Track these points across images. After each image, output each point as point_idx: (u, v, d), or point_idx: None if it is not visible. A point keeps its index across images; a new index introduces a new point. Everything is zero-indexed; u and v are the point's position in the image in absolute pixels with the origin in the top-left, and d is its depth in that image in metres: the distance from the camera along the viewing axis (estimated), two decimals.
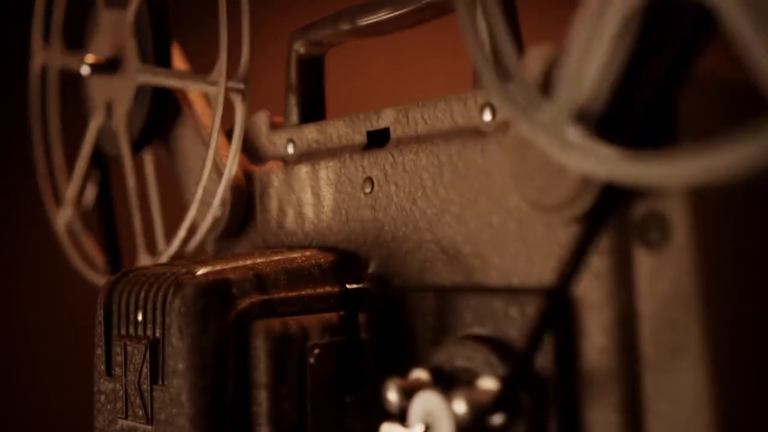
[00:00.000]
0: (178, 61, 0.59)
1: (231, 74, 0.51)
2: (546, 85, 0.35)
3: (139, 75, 0.57)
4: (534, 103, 0.33)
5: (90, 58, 0.59)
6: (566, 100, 0.32)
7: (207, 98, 0.56)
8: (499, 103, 0.40)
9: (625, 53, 0.31)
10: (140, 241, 0.60)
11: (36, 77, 0.66)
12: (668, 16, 0.31)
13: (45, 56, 0.65)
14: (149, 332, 0.42)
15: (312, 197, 0.50)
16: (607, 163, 0.31)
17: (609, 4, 0.30)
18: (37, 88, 0.66)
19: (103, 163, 0.63)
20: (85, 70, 0.59)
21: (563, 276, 0.34)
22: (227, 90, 0.50)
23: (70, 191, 0.64)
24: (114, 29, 0.59)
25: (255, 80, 0.51)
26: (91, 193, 0.64)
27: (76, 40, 0.64)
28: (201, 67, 0.54)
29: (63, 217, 0.64)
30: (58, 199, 0.65)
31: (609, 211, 0.34)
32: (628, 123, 0.32)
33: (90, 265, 0.64)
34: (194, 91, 0.56)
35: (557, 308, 0.34)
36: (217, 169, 0.53)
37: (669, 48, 0.31)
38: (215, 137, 0.51)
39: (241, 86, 0.51)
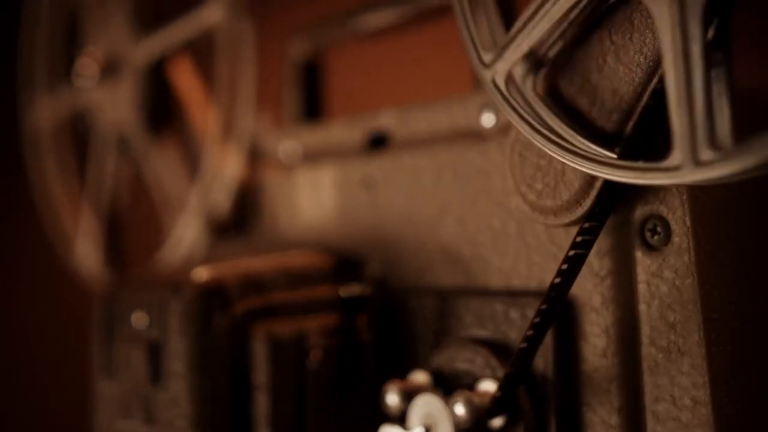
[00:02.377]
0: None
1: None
2: (545, 89, 0.35)
3: (140, 50, 0.57)
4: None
5: (87, 68, 0.59)
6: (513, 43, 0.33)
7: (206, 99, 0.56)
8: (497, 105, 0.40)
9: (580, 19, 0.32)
10: (140, 242, 0.60)
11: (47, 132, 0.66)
12: None
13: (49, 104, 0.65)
14: (149, 334, 0.42)
15: (312, 198, 0.50)
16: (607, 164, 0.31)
17: None
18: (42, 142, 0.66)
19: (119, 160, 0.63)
20: (86, 82, 0.59)
21: (564, 278, 0.33)
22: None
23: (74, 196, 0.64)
24: (105, 33, 0.59)
25: (256, 80, 0.51)
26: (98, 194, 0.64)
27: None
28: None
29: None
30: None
31: (609, 213, 0.34)
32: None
33: (90, 267, 0.63)
34: (195, 28, 0.56)
35: (558, 311, 0.34)
36: (217, 170, 0.53)
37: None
38: (214, 137, 0.51)
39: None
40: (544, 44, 0.34)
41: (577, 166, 0.32)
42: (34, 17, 0.66)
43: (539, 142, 0.33)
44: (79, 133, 0.64)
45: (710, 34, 0.29)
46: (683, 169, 0.29)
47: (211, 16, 0.52)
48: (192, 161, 0.58)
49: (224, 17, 0.51)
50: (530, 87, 0.34)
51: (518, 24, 0.33)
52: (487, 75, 0.34)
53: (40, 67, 0.66)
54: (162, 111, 0.58)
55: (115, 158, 0.61)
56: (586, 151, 0.32)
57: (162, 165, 0.58)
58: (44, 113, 0.65)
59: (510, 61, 0.34)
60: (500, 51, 0.34)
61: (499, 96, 0.34)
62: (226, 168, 0.51)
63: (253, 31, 0.51)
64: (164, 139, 0.59)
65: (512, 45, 0.34)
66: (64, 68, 0.65)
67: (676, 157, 0.29)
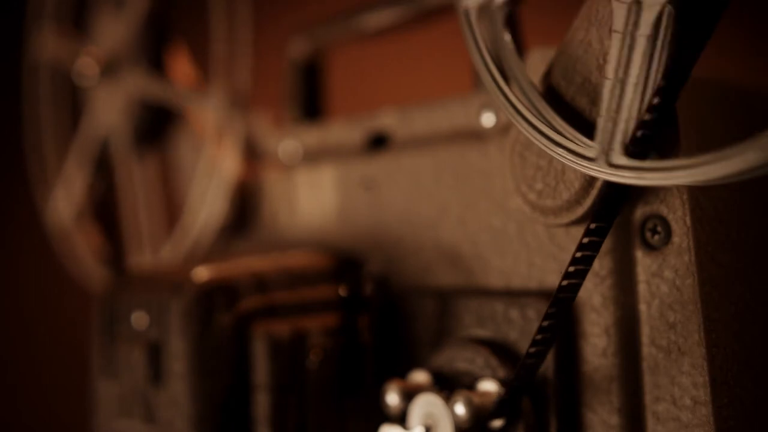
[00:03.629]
0: (183, 63, 0.59)
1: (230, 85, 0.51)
2: (545, 88, 0.35)
3: (137, 83, 0.57)
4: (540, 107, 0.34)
5: (87, 66, 0.59)
6: (609, 131, 0.32)
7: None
8: (500, 107, 0.40)
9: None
10: (140, 242, 0.60)
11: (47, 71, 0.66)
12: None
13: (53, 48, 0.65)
14: (149, 333, 0.42)
15: (312, 198, 0.50)
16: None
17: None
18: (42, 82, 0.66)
19: (102, 165, 0.63)
20: (83, 80, 0.59)
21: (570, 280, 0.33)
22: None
23: (71, 192, 0.64)
24: (113, 32, 0.59)
25: (255, 80, 0.51)
26: (93, 195, 0.64)
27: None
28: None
29: (62, 214, 0.64)
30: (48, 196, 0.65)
31: (609, 213, 0.34)
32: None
33: (90, 266, 0.63)
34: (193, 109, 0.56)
35: (563, 317, 0.34)
36: (217, 170, 0.53)
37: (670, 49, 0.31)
38: (214, 138, 0.51)
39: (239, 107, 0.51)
40: None
41: (578, 167, 0.32)
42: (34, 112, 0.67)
43: (533, 136, 0.33)
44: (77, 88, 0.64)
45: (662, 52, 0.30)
46: (597, 162, 0.31)
47: (209, 107, 0.52)
48: (191, 161, 0.58)
49: (221, 112, 0.51)
50: (501, 19, 0.34)
51: None
52: (462, 3, 0.34)
53: (49, 160, 0.66)
54: (150, 132, 0.58)
55: (97, 158, 0.61)
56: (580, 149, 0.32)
57: (138, 182, 0.59)
58: (47, 49, 0.65)
59: None
60: None
61: (467, 28, 0.34)
62: (225, 167, 0.51)
63: (253, 31, 0.51)
64: (147, 156, 0.59)
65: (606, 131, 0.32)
66: (72, 13, 0.64)
67: (593, 149, 0.31)
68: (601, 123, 0.31)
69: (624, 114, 0.31)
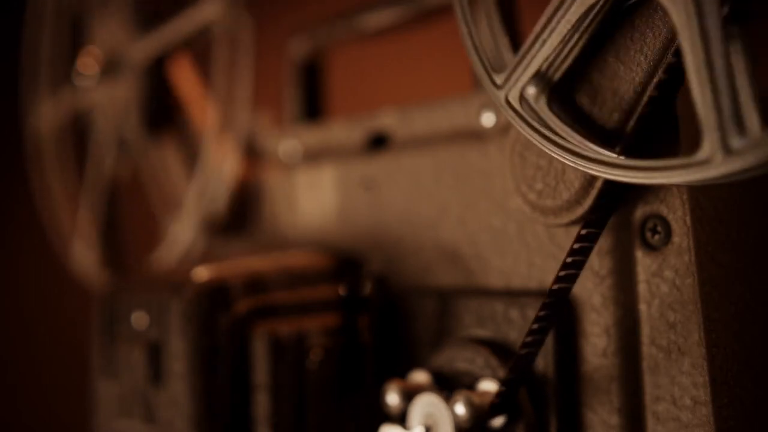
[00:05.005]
0: (184, 66, 0.59)
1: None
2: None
3: (140, 49, 0.57)
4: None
5: (87, 67, 0.59)
6: (522, 63, 0.33)
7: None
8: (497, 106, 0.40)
9: (589, 32, 0.32)
10: (140, 242, 0.60)
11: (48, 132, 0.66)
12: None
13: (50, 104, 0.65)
14: (149, 333, 0.42)
15: (312, 198, 0.50)
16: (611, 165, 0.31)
17: None
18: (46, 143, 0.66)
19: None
20: (86, 81, 0.59)
21: (566, 279, 0.33)
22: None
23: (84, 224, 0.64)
24: (105, 33, 0.59)
25: (256, 80, 0.51)
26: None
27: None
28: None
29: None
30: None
31: (609, 213, 0.34)
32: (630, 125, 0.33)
33: (86, 266, 0.63)
34: (194, 24, 0.56)
35: (559, 311, 0.34)
36: (217, 170, 0.53)
37: (665, 49, 0.31)
38: (214, 137, 0.51)
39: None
40: (552, 65, 0.33)
41: (580, 167, 0.32)
42: (37, 20, 0.67)
43: (553, 151, 0.33)
44: (79, 133, 0.64)
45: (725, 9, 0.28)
46: (713, 161, 0.28)
47: (209, 13, 0.52)
48: (191, 160, 0.58)
49: (222, 13, 0.51)
50: (544, 104, 0.34)
51: (527, 44, 0.33)
52: (500, 95, 0.34)
53: (43, 70, 0.66)
54: (161, 110, 0.58)
55: (114, 158, 0.61)
56: (590, 153, 0.32)
57: (160, 164, 0.58)
58: (46, 116, 0.65)
59: (522, 82, 0.34)
60: (511, 71, 0.34)
61: (513, 114, 0.34)
62: (224, 167, 0.51)
63: (253, 31, 0.51)
64: (163, 138, 0.59)
65: (522, 65, 0.33)
66: (66, 71, 0.65)
67: (706, 149, 0.28)
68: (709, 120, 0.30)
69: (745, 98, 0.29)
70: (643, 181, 0.30)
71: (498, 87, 0.34)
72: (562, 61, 0.33)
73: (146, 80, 0.57)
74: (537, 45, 0.33)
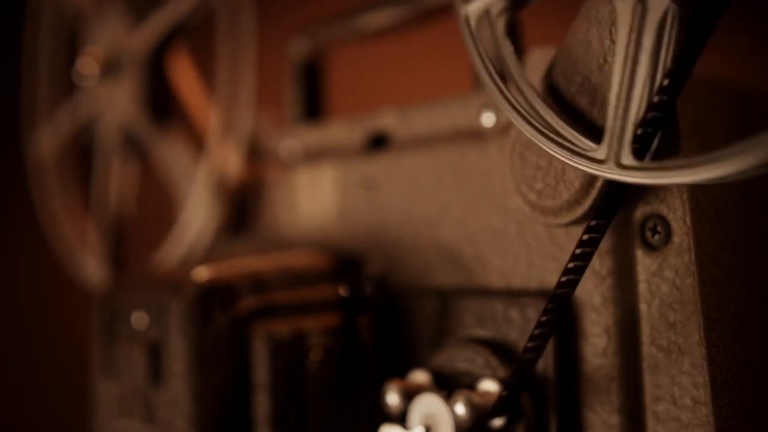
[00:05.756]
0: (185, 65, 0.59)
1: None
2: (546, 88, 0.35)
3: (138, 37, 0.57)
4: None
5: (87, 67, 0.59)
6: (619, 131, 0.32)
7: (207, 97, 0.56)
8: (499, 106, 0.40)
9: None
10: (139, 242, 0.60)
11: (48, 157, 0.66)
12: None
13: None
14: (149, 333, 0.42)
15: (312, 198, 0.50)
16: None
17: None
18: None
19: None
20: (88, 81, 0.59)
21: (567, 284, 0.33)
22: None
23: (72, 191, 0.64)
24: (113, 32, 0.59)
25: (256, 80, 0.51)
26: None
27: None
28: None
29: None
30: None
31: (609, 213, 0.34)
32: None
33: (90, 266, 0.63)
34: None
35: (561, 316, 0.34)
36: (217, 170, 0.53)
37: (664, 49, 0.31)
38: (214, 137, 0.51)
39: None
40: None
41: (580, 167, 0.32)
42: (34, 47, 0.67)
43: (533, 136, 0.33)
44: (83, 149, 0.64)
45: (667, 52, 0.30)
46: (607, 164, 0.31)
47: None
48: (197, 154, 0.58)
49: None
50: (502, 26, 0.34)
51: None
52: (462, 11, 0.34)
53: (41, 96, 0.66)
54: (165, 99, 0.58)
55: (121, 157, 0.61)
56: (591, 152, 0.32)
57: (170, 154, 0.58)
58: (46, 140, 0.65)
59: None
60: None
61: (468, 34, 0.34)
62: (226, 168, 0.51)
63: (254, 31, 0.51)
64: (170, 128, 0.59)
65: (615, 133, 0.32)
66: (63, 89, 0.65)
67: (602, 151, 0.31)
68: (609, 125, 0.31)
69: (632, 116, 0.31)
70: (644, 182, 0.30)
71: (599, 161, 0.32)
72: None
73: (147, 70, 0.57)
74: (622, 106, 0.32)
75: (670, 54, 0.30)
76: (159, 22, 0.56)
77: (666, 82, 0.30)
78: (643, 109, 0.31)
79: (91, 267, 0.63)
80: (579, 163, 0.32)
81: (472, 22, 0.35)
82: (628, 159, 0.31)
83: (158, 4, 0.57)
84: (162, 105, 0.58)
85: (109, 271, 0.62)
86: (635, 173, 0.30)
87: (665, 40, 0.30)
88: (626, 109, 0.31)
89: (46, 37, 0.66)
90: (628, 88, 0.31)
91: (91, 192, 0.63)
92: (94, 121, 0.62)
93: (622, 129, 0.31)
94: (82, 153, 0.65)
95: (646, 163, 0.30)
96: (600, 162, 0.31)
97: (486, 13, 0.35)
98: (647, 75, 0.31)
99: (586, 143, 0.32)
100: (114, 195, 0.61)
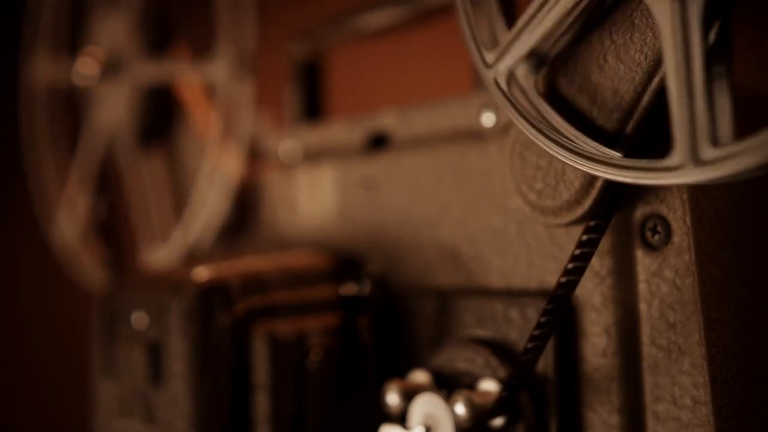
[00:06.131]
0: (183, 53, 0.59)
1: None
2: (546, 88, 0.35)
3: (141, 71, 0.57)
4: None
5: (88, 65, 0.59)
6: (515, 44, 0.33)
7: (208, 97, 0.56)
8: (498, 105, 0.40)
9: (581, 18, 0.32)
10: (140, 242, 0.60)
11: (41, 92, 0.66)
12: None
13: (50, 68, 0.65)
14: (149, 333, 0.42)
15: (312, 198, 0.50)
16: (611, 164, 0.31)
17: None
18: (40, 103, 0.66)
19: (106, 168, 0.63)
20: (85, 80, 0.59)
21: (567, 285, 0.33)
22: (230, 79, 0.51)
23: (73, 199, 0.64)
24: (110, 31, 0.59)
25: (256, 81, 0.51)
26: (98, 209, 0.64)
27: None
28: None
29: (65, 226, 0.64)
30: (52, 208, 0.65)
31: (610, 213, 0.34)
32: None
33: (90, 267, 0.63)
34: (197, 80, 0.56)
35: (561, 317, 0.34)
36: (218, 170, 0.53)
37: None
38: (215, 137, 0.51)
39: (245, 73, 0.51)
40: (546, 42, 0.34)
41: (580, 167, 0.32)
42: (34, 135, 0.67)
43: (542, 143, 0.33)
44: (74, 105, 0.64)
45: (711, 35, 0.29)
46: (684, 168, 0.29)
47: (213, 73, 0.52)
48: (181, 175, 0.58)
49: (227, 77, 0.51)
50: (533, 85, 0.34)
51: (521, 22, 0.33)
52: (489, 75, 0.34)
53: (43, 27, 0.66)
54: (155, 125, 0.58)
55: (103, 158, 0.61)
56: (589, 151, 0.32)
57: (147, 178, 0.59)
58: (43, 74, 0.65)
59: (513, 60, 0.34)
60: (503, 50, 0.34)
61: (501, 96, 0.34)
62: (226, 169, 0.51)
63: (254, 31, 0.51)
64: (153, 151, 0.59)
65: (515, 43, 0.33)
66: (67, 37, 0.65)
67: (677, 156, 0.29)
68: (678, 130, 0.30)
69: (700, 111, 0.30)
70: (644, 182, 0.30)
71: (488, 66, 0.34)
72: (556, 42, 0.33)
73: (146, 99, 0.57)
74: (531, 23, 0.33)
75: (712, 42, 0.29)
76: (168, 70, 0.56)
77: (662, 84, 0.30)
78: (705, 101, 0.29)
79: (67, 227, 0.63)
80: (575, 161, 0.32)
81: (472, 14, 0.35)
82: (706, 152, 0.29)
83: (167, 28, 0.57)
84: (153, 129, 0.58)
85: (84, 238, 0.62)
86: (635, 173, 0.30)
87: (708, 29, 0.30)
88: (692, 106, 0.29)
89: (43, 115, 0.66)
90: (687, 84, 0.29)
91: (75, 159, 0.63)
92: (88, 104, 0.62)
93: (694, 127, 0.29)
94: (75, 109, 0.65)
95: (645, 162, 0.30)
96: (676, 169, 0.30)
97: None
98: (703, 65, 0.29)
99: (589, 143, 0.32)
100: (96, 178, 0.61)
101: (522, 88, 0.34)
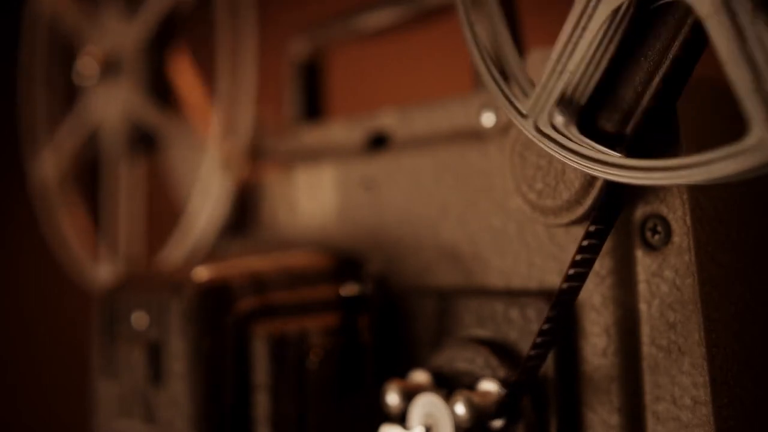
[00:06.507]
0: (186, 68, 0.59)
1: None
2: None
3: (134, 102, 0.57)
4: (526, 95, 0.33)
5: (89, 66, 0.59)
6: (546, 89, 0.32)
7: (208, 94, 0.57)
8: (499, 105, 0.40)
9: (611, 48, 0.31)
10: (140, 242, 0.60)
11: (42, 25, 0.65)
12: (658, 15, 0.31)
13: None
14: (149, 333, 0.42)
15: (312, 198, 0.50)
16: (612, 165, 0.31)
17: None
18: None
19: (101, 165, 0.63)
20: (87, 81, 0.59)
21: (572, 281, 0.33)
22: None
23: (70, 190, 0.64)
24: (114, 31, 0.59)
25: (256, 80, 0.51)
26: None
27: None
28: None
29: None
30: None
31: (610, 213, 0.34)
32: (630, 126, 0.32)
33: (90, 266, 0.63)
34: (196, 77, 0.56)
35: (563, 323, 0.34)
36: (218, 170, 0.53)
37: (665, 50, 0.31)
38: (215, 137, 0.51)
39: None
40: (577, 87, 0.32)
41: (581, 168, 0.32)
42: (31, 70, 0.67)
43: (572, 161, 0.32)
44: (86, 164, 0.64)
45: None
46: (528, 119, 0.31)
47: (212, 70, 0.52)
48: (170, 185, 0.58)
49: (226, 72, 0.51)
50: (575, 130, 0.33)
51: (550, 66, 0.32)
52: (528, 123, 0.33)
53: (39, 120, 0.66)
54: (167, 85, 0.58)
55: (129, 158, 0.61)
56: (592, 152, 0.32)
57: (181, 140, 0.58)
58: (49, 162, 0.65)
59: (549, 107, 0.32)
60: (536, 99, 0.33)
61: (548, 141, 0.33)
62: (227, 168, 0.51)
63: (254, 31, 0.51)
64: (178, 113, 0.59)
65: (546, 89, 0.32)
66: (62, 113, 0.65)
67: (755, 134, 0.26)
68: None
69: (560, 84, 0.31)
70: (645, 182, 0.30)
71: (524, 116, 0.33)
72: (587, 83, 0.32)
73: (146, 60, 0.57)
74: (559, 68, 0.32)
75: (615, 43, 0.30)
76: (153, 12, 0.56)
77: (660, 85, 0.30)
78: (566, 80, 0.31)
79: (93, 268, 0.63)
80: (574, 161, 0.32)
81: (471, 12, 0.35)
82: (545, 125, 0.31)
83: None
84: (166, 91, 0.58)
85: (106, 265, 0.62)
86: (635, 173, 0.30)
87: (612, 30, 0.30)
88: (559, 75, 0.31)
89: (42, 56, 0.66)
90: (569, 54, 0.31)
91: (98, 201, 0.63)
92: (97, 128, 0.62)
93: (548, 95, 0.31)
94: (85, 168, 0.65)
95: (645, 162, 0.30)
96: (523, 116, 0.32)
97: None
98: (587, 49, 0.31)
99: (590, 144, 0.32)
100: (123, 200, 0.61)
101: (563, 134, 0.33)
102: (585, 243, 0.33)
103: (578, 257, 0.33)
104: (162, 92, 0.58)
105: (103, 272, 0.63)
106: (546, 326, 0.33)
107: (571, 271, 0.33)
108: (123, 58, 0.58)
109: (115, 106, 0.59)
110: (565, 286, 0.33)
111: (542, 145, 0.33)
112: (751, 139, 0.26)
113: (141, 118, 0.58)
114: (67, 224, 0.64)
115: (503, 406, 0.35)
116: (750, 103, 0.26)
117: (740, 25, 0.26)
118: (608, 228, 0.33)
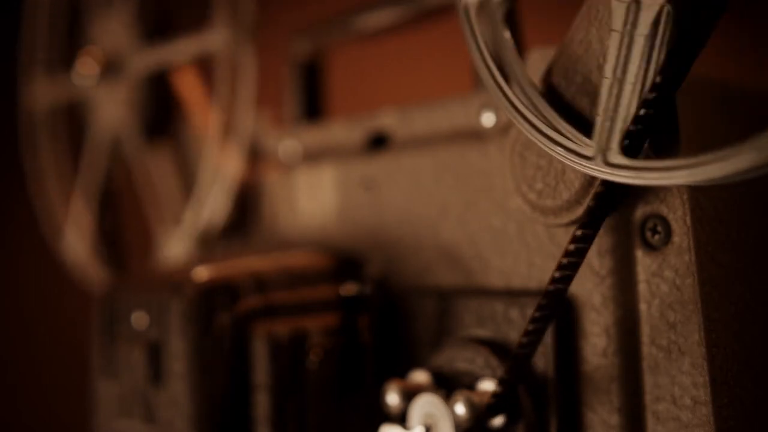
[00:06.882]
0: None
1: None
2: (546, 88, 0.35)
3: (141, 60, 0.57)
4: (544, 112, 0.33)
5: (88, 65, 0.59)
6: (607, 130, 0.31)
7: (208, 92, 0.57)
8: (499, 106, 0.40)
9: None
10: (141, 242, 0.60)
11: (42, 116, 0.66)
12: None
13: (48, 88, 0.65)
14: (149, 333, 0.42)
15: (312, 198, 0.50)
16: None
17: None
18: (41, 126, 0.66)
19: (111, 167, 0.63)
20: (85, 81, 0.59)
21: (561, 280, 0.33)
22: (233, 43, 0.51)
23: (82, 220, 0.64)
24: (108, 29, 0.59)
25: (256, 80, 0.51)
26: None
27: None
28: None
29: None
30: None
31: (605, 214, 0.34)
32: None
33: (78, 255, 0.63)
34: (197, 51, 0.56)
35: (554, 312, 0.34)
36: (218, 170, 0.53)
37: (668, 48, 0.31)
38: (215, 136, 0.51)
39: (246, 35, 0.51)
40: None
41: (569, 163, 0.32)
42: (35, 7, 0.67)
43: (523, 128, 0.33)
44: (75, 120, 0.64)
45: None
46: (595, 160, 0.31)
47: (214, 41, 0.52)
48: (187, 168, 0.58)
49: (227, 43, 0.51)
50: (501, 15, 0.34)
51: (602, 105, 0.32)
52: (598, 164, 0.32)
53: (40, 49, 0.66)
54: (159, 118, 0.58)
55: (109, 158, 0.61)
56: (590, 152, 0.32)
57: (155, 171, 0.58)
58: (41, 96, 0.65)
59: (615, 142, 0.31)
60: (599, 140, 0.32)
61: (467, 25, 0.34)
62: (226, 168, 0.51)
63: (254, 31, 0.51)
64: (160, 145, 0.59)
65: (605, 128, 0.32)
66: (63, 54, 0.65)
67: (592, 148, 0.31)
68: (599, 122, 0.31)
69: (621, 113, 0.31)
70: (644, 182, 0.30)
71: (590, 158, 0.32)
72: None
73: (146, 89, 0.57)
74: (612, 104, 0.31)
75: (664, 52, 0.30)
76: (166, 54, 0.56)
77: (659, 79, 0.30)
78: (634, 107, 0.31)
79: (75, 243, 0.63)
80: (570, 160, 0.32)
81: (472, 13, 0.35)
82: (616, 157, 0.30)
83: (166, 24, 0.57)
84: (156, 121, 0.58)
85: (94, 253, 0.62)
86: (634, 173, 0.30)
87: (658, 40, 0.30)
88: (615, 108, 0.31)
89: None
90: (618, 85, 0.31)
91: (79, 173, 0.63)
92: (89, 110, 0.62)
93: (611, 127, 0.31)
94: (76, 124, 0.65)
95: (644, 162, 0.30)
96: (588, 158, 0.31)
97: (485, 3, 0.35)
98: (638, 74, 0.31)
99: (584, 141, 0.32)
100: (101, 187, 0.61)
101: (491, 15, 0.34)
102: (578, 233, 0.33)
103: (571, 247, 0.33)
104: (155, 119, 0.58)
105: (103, 272, 0.63)
106: (537, 314, 0.34)
107: (564, 261, 0.33)
108: (126, 71, 0.59)
109: (107, 110, 0.59)
110: (557, 274, 0.33)
111: (463, 29, 0.34)
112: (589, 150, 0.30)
113: (124, 139, 0.58)
114: (50, 167, 0.64)
115: (498, 399, 0.35)
116: None
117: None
118: (601, 218, 0.33)
